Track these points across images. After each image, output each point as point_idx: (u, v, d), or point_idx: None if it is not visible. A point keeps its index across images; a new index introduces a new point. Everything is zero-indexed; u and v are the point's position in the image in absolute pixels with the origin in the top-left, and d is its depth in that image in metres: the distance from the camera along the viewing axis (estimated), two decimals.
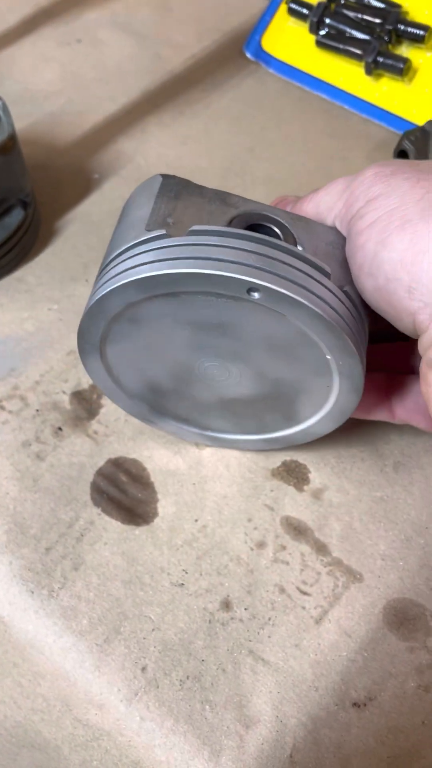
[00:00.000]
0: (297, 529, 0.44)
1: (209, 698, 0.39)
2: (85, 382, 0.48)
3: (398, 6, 0.62)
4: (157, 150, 0.62)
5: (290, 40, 0.66)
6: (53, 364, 0.49)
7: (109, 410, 0.47)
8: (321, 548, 0.43)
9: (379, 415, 0.43)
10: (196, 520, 0.44)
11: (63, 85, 0.67)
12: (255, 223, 0.37)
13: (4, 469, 0.45)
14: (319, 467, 0.46)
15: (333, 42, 0.63)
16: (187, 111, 0.65)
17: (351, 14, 0.63)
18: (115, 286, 0.36)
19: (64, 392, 0.48)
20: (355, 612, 0.41)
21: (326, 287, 0.35)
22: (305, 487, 0.45)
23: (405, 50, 0.62)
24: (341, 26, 0.63)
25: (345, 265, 0.37)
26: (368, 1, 0.63)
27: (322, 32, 0.64)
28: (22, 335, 0.51)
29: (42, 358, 0.49)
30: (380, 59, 0.61)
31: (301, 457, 0.46)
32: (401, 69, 0.61)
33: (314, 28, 0.64)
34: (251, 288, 0.34)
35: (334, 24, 0.63)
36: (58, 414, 0.47)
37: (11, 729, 0.41)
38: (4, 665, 0.41)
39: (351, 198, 0.36)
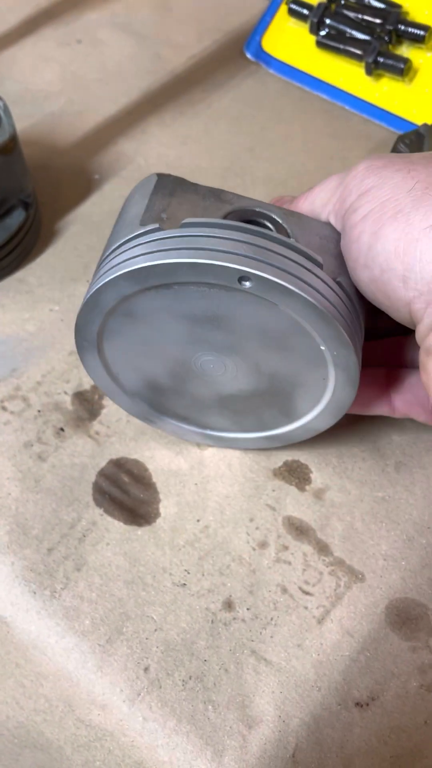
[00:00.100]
0: (299, 529, 0.44)
1: (212, 698, 0.39)
2: (87, 382, 0.48)
3: (398, 6, 0.62)
4: (158, 150, 0.62)
5: (290, 40, 0.66)
6: (55, 365, 0.49)
7: (111, 411, 0.47)
8: (323, 548, 0.43)
9: (380, 410, 0.43)
10: (198, 521, 0.44)
11: (63, 85, 0.67)
12: (249, 219, 0.37)
13: (6, 469, 0.45)
14: (320, 467, 0.46)
15: (333, 42, 0.63)
16: (188, 111, 0.65)
17: (351, 15, 0.63)
18: (109, 278, 0.36)
19: (65, 393, 0.48)
20: (358, 612, 0.41)
21: (318, 277, 0.35)
22: (307, 487, 0.45)
23: (405, 50, 0.62)
24: (341, 26, 0.63)
25: (339, 258, 0.37)
26: (368, 2, 0.63)
27: (323, 33, 0.64)
28: (24, 336, 0.51)
29: (43, 358, 0.50)
30: (380, 59, 0.61)
31: (303, 457, 0.46)
32: (401, 69, 0.61)
33: (314, 29, 0.64)
34: (242, 277, 0.34)
35: (335, 24, 0.63)
36: (59, 415, 0.47)
37: (13, 729, 0.41)
38: (6, 666, 0.41)
39: (344, 192, 0.37)
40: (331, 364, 0.37)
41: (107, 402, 0.48)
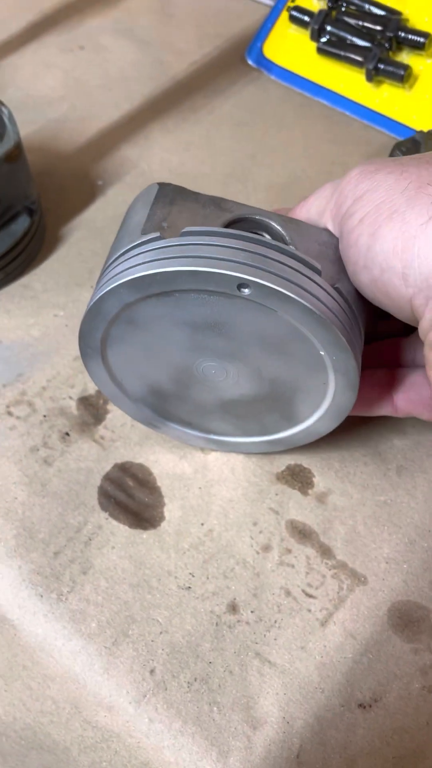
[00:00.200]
0: (302, 533, 0.44)
1: (217, 700, 0.39)
2: (92, 387, 0.49)
3: (399, 13, 0.62)
4: (161, 156, 0.62)
5: (291, 47, 0.67)
6: (60, 370, 0.50)
7: (116, 416, 0.48)
8: (326, 551, 0.44)
9: (383, 410, 0.43)
10: (203, 524, 0.44)
11: (66, 91, 0.67)
12: (248, 227, 0.38)
13: (13, 474, 0.46)
14: (323, 471, 0.46)
15: (334, 49, 0.64)
16: (190, 117, 0.65)
17: (352, 21, 0.63)
18: (111, 287, 0.37)
19: (70, 398, 0.49)
20: (360, 614, 0.42)
21: (316, 283, 0.36)
22: (310, 491, 0.46)
23: (405, 57, 0.63)
24: (342, 33, 0.64)
25: (337, 264, 0.37)
26: (369, 9, 0.63)
27: (323, 39, 0.64)
28: (29, 341, 0.51)
29: (48, 363, 0.50)
30: (381, 66, 0.62)
31: (306, 462, 0.47)
32: (402, 76, 0.61)
33: (315, 36, 0.64)
34: (241, 284, 0.35)
35: (335, 31, 0.64)
36: (65, 419, 0.48)
37: (20, 731, 0.42)
38: (13, 668, 0.42)
39: (340, 198, 0.37)
40: (331, 369, 0.38)
41: (112, 407, 0.48)
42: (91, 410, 0.48)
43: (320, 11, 0.64)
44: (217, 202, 0.38)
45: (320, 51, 0.65)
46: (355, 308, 0.37)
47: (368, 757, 0.38)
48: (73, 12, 0.73)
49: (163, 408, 0.44)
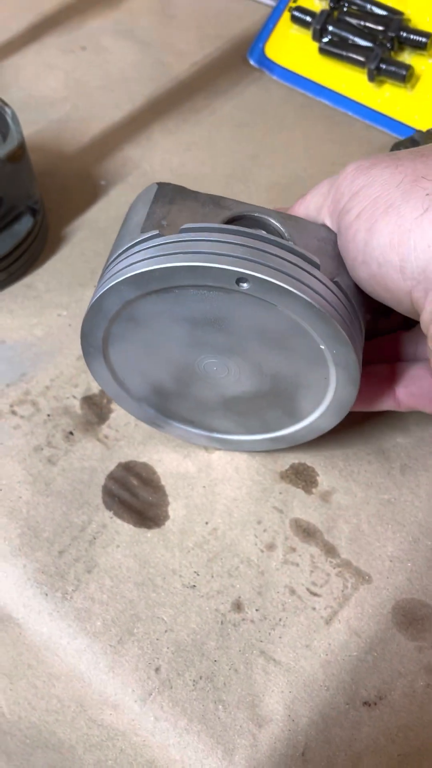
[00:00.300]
0: (306, 531, 0.44)
1: (222, 698, 0.39)
2: (95, 387, 0.49)
3: (400, 13, 0.63)
4: (162, 156, 0.63)
5: (293, 47, 0.67)
6: (63, 369, 0.50)
7: (119, 415, 0.48)
8: (330, 550, 0.44)
9: (385, 405, 0.44)
10: (207, 523, 0.44)
11: (68, 92, 0.67)
12: (247, 224, 0.38)
13: (17, 473, 0.46)
14: (326, 470, 0.46)
15: (336, 49, 0.64)
16: (192, 118, 0.65)
17: (354, 22, 0.64)
18: (111, 284, 0.37)
19: (74, 397, 0.49)
20: (365, 613, 0.42)
21: (316, 277, 0.36)
22: (313, 490, 0.46)
23: (407, 57, 0.63)
24: (344, 33, 0.64)
25: (336, 259, 0.38)
26: (371, 9, 0.63)
27: (325, 39, 0.64)
28: (32, 341, 0.51)
29: (52, 363, 0.50)
30: (383, 66, 0.62)
31: (309, 460, 0.47)
32: (404, 76, 0.61)
33: (317, 36, 0.64)
34: (240, 278, 0.35)
35: (337, 31, 0.64)
36: (69, 419, 0.48)
37: (25, 730, 0.42)
38: (19, 667, 0.42)
39: (336, 195, 0.37)
40: (332, 363, 0.38)
41: (115, 406, 0.48)
42: (95, 409, 0.48)
43: (322, 11, 0.64)
44: (216, 201, 0.39)
45: (322, 51, 0.65)
46: (354, 302, 0.38)
47: (373, 755, 0.38)
48: (74, 13, 0.73)
49: (165, 407, 0.44)
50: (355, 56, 0.63)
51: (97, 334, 0.40)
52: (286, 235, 0.38)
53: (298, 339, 0.37)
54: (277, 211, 0.39)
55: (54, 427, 0.48)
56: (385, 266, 0.34)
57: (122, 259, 0.37)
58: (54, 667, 0.41)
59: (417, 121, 0.62)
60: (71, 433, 0.47)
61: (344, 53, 0.64)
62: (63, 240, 0.57)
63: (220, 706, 0.39)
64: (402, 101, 0.63)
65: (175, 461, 0.47)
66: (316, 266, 0.36)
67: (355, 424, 0.47)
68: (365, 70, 0.63)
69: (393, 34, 0.62)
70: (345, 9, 0.64)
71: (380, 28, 0.62)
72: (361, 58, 0.63)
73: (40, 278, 0.55)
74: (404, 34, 0.62)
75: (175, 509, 0.45)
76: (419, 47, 0.62)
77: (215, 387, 0.42)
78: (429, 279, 0.33)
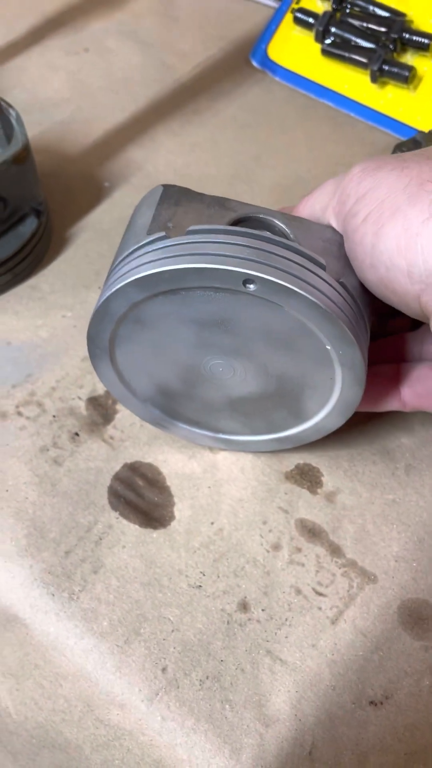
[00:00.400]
0: (311, 532, 0.44)
1: (229, 698, 0.39)
2: (100, 388, 0.49)
3: (403, 15, 0.63)
4: (166, 158, 0.63)
5: (296, 48, 0.67)
6: (68, 370, 0.50)
7: (124, 416, 0.48)
8: (335, 550, 0.44)
9: (390, 405, 0.44)
10: (212, 523, 0.45)
11: (71, 93, 0.67)
12: (253, 225, 0.38)
13: (23, 474, 0.46)
14: (331, 470, 0.47)
15: (338, 50, 0.64)
16: (195, 119, 0.66)
17: (356, 23, 0.64)
18: (118, 286, 0.37)
19: (79, 398, 0.49)
20: (370, 612, 0.42)
21: (322, 278, 0.36)
22: (319, 490, 0.46)
23: (410, 58, 0.63)
24: (347, 35, 0.64)
25: (341, 260, 0.38)
26: (373, 10, 0.64)
27: (328, 41, 0.65)
28: (37, 342, 0.51)
29: (57, 364, 0.50)
30: (385, 67, 0.62)
31: (314, 461, 0.47)
32: (406, 77, 0.62)
33: (320, 37, 0.65)
34: (247, 280, 0.35)
35: (340, 33, 0.64)
36: (74, 420, 0.48)
37: (32, 730, 0.42)
38: (25, 667, 0.42)
39: (342, 196, 0.38)
40: (338, 364, 0.38)
41: (121, 407, 0.48)
42: (100, 410, 0.48)
43: (325, 13, 0.64)
44: (221, 202, 0.39)
45: (324, 52, 0.65)
46: (360, 303, 0.38)
47: (380, 754, 0.38)
48: (78, 15, 0.74)
49: (171, 408, 0.44)
50: (357, 57, 0.63)
51: (104, 336, 0.40)
52: (291, 236, 0.38)
53: (304, 339, 0.37)
54: (281, 212, 0.39)
55: (60, 428, 0.48)
56: (392, 270, 0.35)
57: (128, 261, 0.38)
58: (61, 667, 0.41)
59: (419, 122, 0.63)
60: (77, 434, 0.47)
61: (347, 54, 0.64)
62: (67, 241, 0.57)
63: (227, 706, 0.39)
64: (404, 102, 0.63)
65: (180, 462, 0.47)
66: (322, 267, 0.36)
67: (360, 425, 0.47)
68: (368, 72, 0.64)
69: (395, 36, 0.62)
70: (347, 10, 0.64)
71: (383, 29, 0.63)
72: (364, 60, 0.63)
73: (44, 279, 0.55)
74: (407, 36, 0.62)
75: (180, 510, 0.45)
76: (422, 48, 0.62)
77: (221, 388, 0.42)
78: None
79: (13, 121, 0.51)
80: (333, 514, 0.45)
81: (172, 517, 0.45)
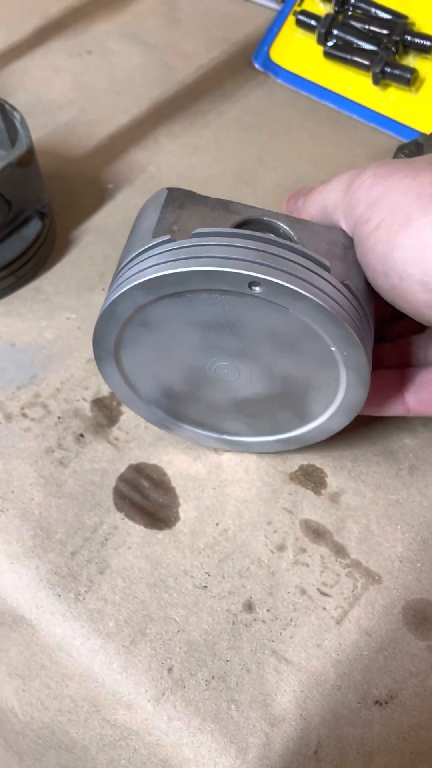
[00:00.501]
0: (316, 532, 0.45)
1: (235, 697, 0.40)
2: (105, 389, 0.49)
3: (405, 17, 0.63)
4: (169, 160, 0.63)
5: (298, 50, 0.67)
6: (73, 372, 0.50)
7: (129, 417, 0.48)
8: (340, 550, 0.44)
9: (394, 410, 0.44)
10: (217, 524, 0.45)
11: (75, 95, 0.68)
12: (257, 227, 0.39)
13: (29, 475, 0.46)
14: (335, 471, 0.47)
15: (341, 53, 0.64)
16: (198, 121, 0.66)
17: (358, 25, 0.64)
18: (124, 289, 0.37)
19: (84, 399, 0.49)
20: (375, 612, 0.42)
21: (327, 280, 0.36)
22: (323, 491, 0.46)
23: (412, 60, 0.63)
24: (349, 37, 0.64)
25: (346, 262, 0.38)
26: (375, 13, 0.64)
27: (330, 43, 0.65)
28: (42, 343, 0.52)
29: (62, 366, 0.50)
30: (387, 69, 0.62)
31: (318, 461, 0.47)
32: (408, 79, 0.62)
33: (322, 39, 0.65)
34: (252, 282, 0.35)
35: (342, 35, 0.64)
36: (79, 421, 0.48)
37: (38, 730, 0.42)
38: (32, 668, 0.42)
39: (353, 200, 0.38)
40: (342, 365, 0.38)
41: (125, 408, 0.49)
42: (105, 412, 0.49)
43: (327, 15, 0.64)
44: (225, 205, 0.39)
45: (327, 55, 0.65)
46: (364, 305, 0.38)
47: (385, 753, 0.39)
48: (81, 16, 0.74)
49: (175, 409, 0.45)
50: (359, 60, 0.64)
51: (110, 339, 0.40)
52: (295, 238, 0.38)
53: (309, 341, 0.38)
54: (285, 215, 0.40)
55: (65, 429, 0.48)
56: (406, 279, 0.35)
57: (134, 264, 0.38)
58: (67, 667, 0.41)
59: (421, 124, 0.63)
60: (82, 435, 0.48)
61: (349, 57, 0.64)
62: (71, 243, 0.57)
63: (233, 706, 0.39)
64: (406, 104, 0.64)
65: (185, 463, 0.47)
66: (327, 269, 0.36)
67: (363, 426, 0.48)
68: (370, 74, 0.64)
69: (397, 38, 0.62)
70: (350, 13, 0.65)
71: (385, 31, 0.63)
72: (366, 62, 0.63)
73: (48, 281, 0.55)
74: (409, 38, 0.62)
75: (185, 510, 0.45)
76: (424, 51, 0.62)
77: (226, 389, 0.42)
78: None
79: (18, 124, 0.52)
80: (337, 514, 0.45)
81: (177, 518, 0.45)
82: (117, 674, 0.40)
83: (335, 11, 0.65)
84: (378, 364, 0.44)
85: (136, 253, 0.38)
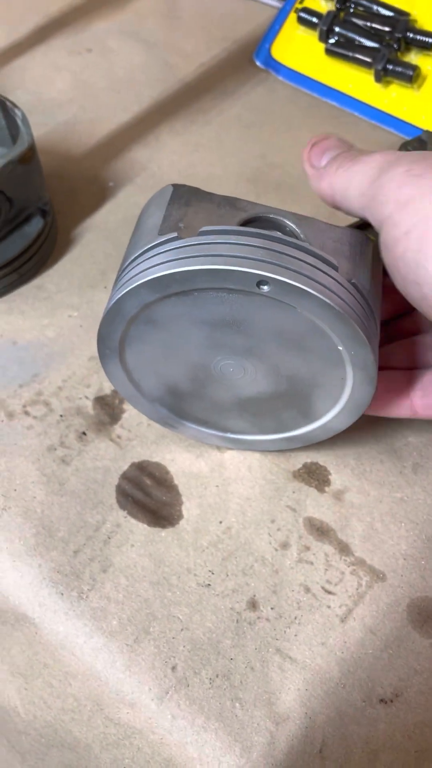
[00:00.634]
0: (320, 530, 0.44)
1: (239, 696, 0.39)
2: (107, 387, 0.49)
3: (407, 14, 0.63)
4: (170, 158, 0.63)
5: (300, 48, 0.67)
6: (75, 370, 0.50)
7: (132, 415, 0.48)
8: (344, 548, 0.44)
9: (400, 411, 0.43)
10: (221, 522, 0.45)
11: (75, 94, 0.67)
12: (263, 225, 0.38)
13: (31, 473, 0.46)
14: (339, 469, 0.47)
15: (342, 50, 0.64)
16: (199, 119, 0.66)
17: (360, 22, 0.64)
18: (131, 287, 0.37)
19: (86, 397, 0.49)
20: (380, 610, 0.42)
21: (334, 279, 0.36)
22: (326, 489, 0.46)
23: (414, 57, 0.63)
24: (350, 34, 0.64)
25: (353, 260, 0.38)
26: (377, 10, 0.64)
27: (332, 40, 0.65)
28: (44, 341, 0.51)
29: (64, 363, 0.50)
30: (389, 67, 0.62)
31: (321, 459, 0.47)
32: (410, 76, 0.62)
33: (323, 37, 0.65)
34: (261, 281, 0.35)
35: (344, 32, 0.64)
36: (81, 419, 0.48)
37: (40, 729, 0.42)
38: (35, 666, 0.42)
39: (380, 195, 0.36)
40: (349, 364, 0.38)
41: (128, 406, 0.48)
42: (108, 410, 0.48)
43: (328, 12, 0.64)
44: (231, 202, 0.39)
45: (328, 52, 0.65)
46: (371, 304, 0.38)
47: (390, 751, 0.38)
48: (80, 15, 0.74)
49: (179, 407, 0.44)
50: (361, 57, 0.64)
51: (115, 337, 0.40)
52: (301, 236, 0.38)
53: (316, 340, 0.37)
54: (292, 212, 0.39)
55: (67, 427, 0.48)
56: None
57: (140, 262, 0.38)
58: (70, 666, 0.41)
59: (424, 121, 0.63)
60: (84, 433, 0.47)
61: (351, 54, 0.64)
62: (72, 241, 0.57)
63: (237, 704, 0.39)
64: (409, 101, 0.63)
65: (188, 461, 0.47)
66: (335, 268, 0.36)
67: (367, 424, 0.47)
68: (372, 71, 0.64)
69: (399, 35, 0.62)
70: (351, 10, 0.65)
71: (387, 28, 0.63)
72: (368, 59, 0.63)
73: (50, 279, 0.55)
74: (411, 35, 0.62)
75: (188, 508, 0.45)
76: (426, 48, 0.62)
77: (231, 388, 0.42)
78: None
79: (19, 122, 0.51)
80: (341, 512, 0.45)
81: (180, 516, 0.45)
82: (120, 673, 0.40)
83: (337, 8, 0.65)
84: (385, 364, 0.43)
85: (142, 251, 0.38)
